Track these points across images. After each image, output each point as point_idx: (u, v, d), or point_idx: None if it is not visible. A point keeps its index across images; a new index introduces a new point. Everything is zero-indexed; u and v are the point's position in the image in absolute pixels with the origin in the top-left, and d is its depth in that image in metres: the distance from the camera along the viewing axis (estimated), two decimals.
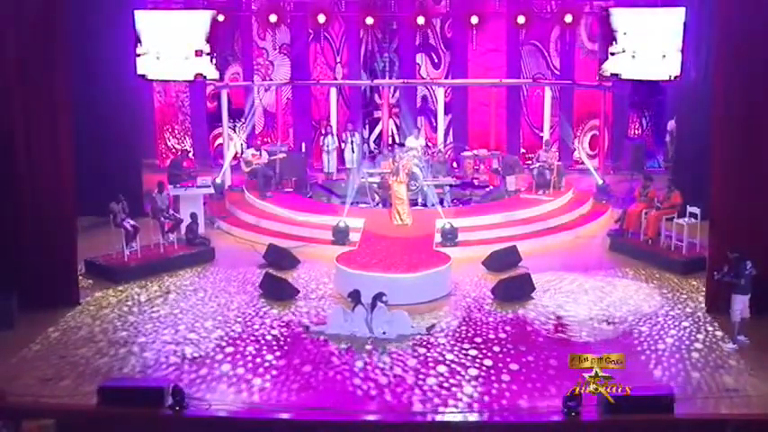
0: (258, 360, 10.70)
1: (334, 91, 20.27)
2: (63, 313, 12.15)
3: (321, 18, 19.84)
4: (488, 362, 10.63)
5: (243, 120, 21.04)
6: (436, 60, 20.74)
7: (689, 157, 16.19)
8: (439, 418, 9.39)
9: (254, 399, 9.74)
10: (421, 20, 19.86)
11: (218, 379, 10.19)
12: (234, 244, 15.72)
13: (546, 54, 20.53)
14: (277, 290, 12.91)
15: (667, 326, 11.73)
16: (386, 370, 10.42)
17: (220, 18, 18.57)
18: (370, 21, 19.93)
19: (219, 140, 20.68)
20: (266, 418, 9.38)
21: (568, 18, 19.44)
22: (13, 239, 12.07)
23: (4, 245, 12.01)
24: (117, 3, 16.76)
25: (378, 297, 11.51)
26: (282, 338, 11.38)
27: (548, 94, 19.97)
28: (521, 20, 19.64)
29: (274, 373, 10.36)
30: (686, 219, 14.24)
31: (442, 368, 10.45)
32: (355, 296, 11.64)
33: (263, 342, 11.25)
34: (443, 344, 11.17)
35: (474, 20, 19.57)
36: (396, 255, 13.63)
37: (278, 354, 10.89)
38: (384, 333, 11.29)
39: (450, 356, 10.78)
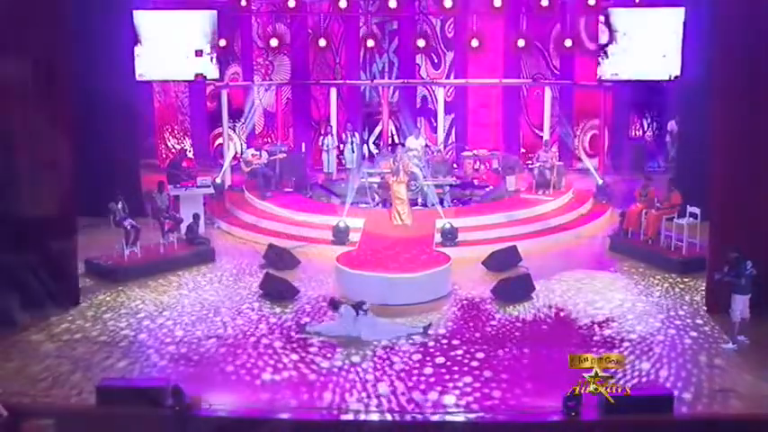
0: (258, 360, 10.69)
1: (333, 91, 20.28)
2: (63, 313, 12.14)
3: (322, 42, 20.08)
4: (488, 362, 10.62)
5: (243, 120, 21.05)
6: (436, 60, 20.75)
7: (689, 157, 16.19)
8: (439, 418, 9.38)
9: (254, 399, 9.73)
10: (421, 42, 20.00)
11: (217, 379, 10.19)
12: (234, 244, 15.73)
13: (546, 54, 20.53)
14: (277, 290, 12.92)
15: (667, 326, 11.73)
16: (386, 370, 10.41)
17: (222, 43, 18.69)
18: (371, 43, 20.14)
19: (219, 140, 20.70)
20: (266, 418, 9.37)
21: (568, 42, 19.58)
22: (13, 239, 12.05)
23: (4, 245, 12.00)
24: (117, 3, 16.76)
25: (358, 306, 11.50)
26: (282, 338, 11.37)
27: (548, 94, 19.97)
28: (521, 43, 19.75)
29: (275, 373, 10.35)
30: (686, 219, 14.24)
31: (441, 368, 10.44)
32: (332, 304, 11.76)
33: (262, 342, 11.25)
34: (443, 344, 11.16)
35: (474, 43, 19.71)
36: (396, 255, 13.64)
37: (277, 354, 10.88)
38: (379, 335, 11.26)
39: (449, 356, 10.76)
